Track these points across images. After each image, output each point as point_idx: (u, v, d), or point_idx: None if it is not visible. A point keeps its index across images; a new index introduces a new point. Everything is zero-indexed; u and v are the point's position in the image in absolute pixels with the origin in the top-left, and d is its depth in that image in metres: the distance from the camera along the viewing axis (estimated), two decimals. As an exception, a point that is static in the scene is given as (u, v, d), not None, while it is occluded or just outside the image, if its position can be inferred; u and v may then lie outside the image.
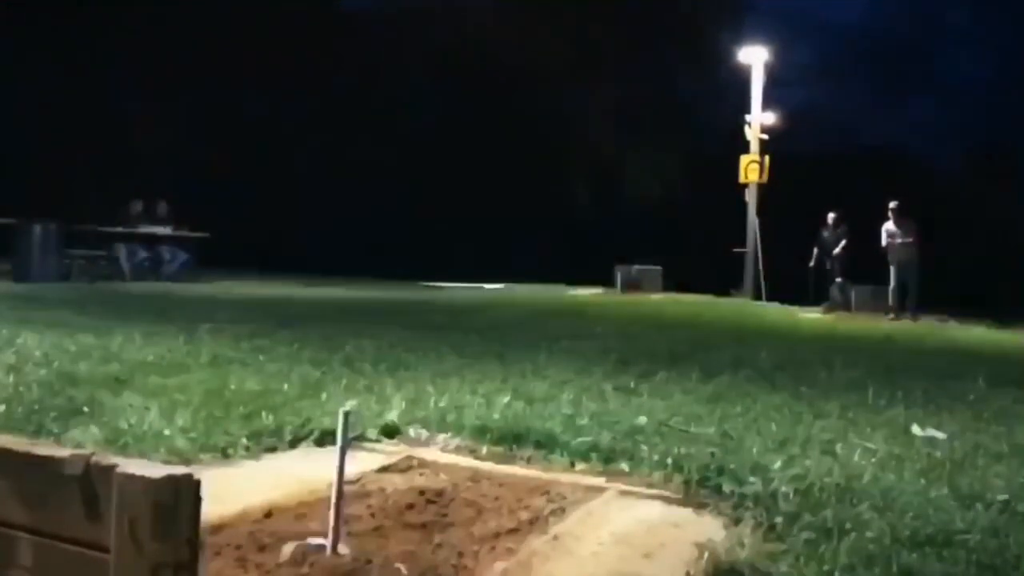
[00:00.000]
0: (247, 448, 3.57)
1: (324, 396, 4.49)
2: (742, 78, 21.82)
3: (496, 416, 4.20)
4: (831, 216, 16.78)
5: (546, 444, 3.78)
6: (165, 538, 1.12)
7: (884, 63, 42.86)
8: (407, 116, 27.28)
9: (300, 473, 3.19)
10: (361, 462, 3.36)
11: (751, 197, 20.64)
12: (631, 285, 19.92)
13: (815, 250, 16.79)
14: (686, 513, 3.07)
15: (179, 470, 1.16)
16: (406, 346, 6.75)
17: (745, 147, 20.99)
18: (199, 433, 3.63)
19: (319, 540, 2.41)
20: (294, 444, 3.70)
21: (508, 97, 27.60)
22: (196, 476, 1.16)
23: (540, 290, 17.81)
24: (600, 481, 3.38)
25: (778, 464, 3.59)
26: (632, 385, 5.44)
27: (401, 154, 26.99)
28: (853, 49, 49.52)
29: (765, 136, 21.08)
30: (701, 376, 5.97)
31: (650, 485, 3.34)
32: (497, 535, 2.68)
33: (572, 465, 3.58)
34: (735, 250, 20.74)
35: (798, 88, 39.90)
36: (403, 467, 3.45)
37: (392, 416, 4.10)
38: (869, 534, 2.79)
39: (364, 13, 27.65)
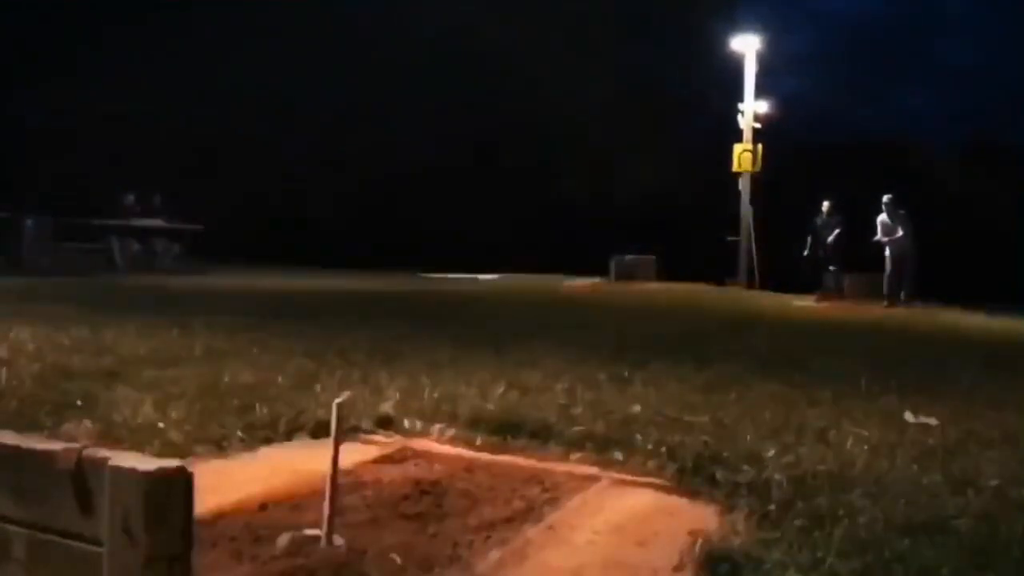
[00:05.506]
0: (242, 440, 3.57)
1: (319, 388, 4.48)
2: (735, 67, 21.79)
3: (490, 406, 4.21)
4: (825, 204, 16.81)
5: (540, 434, 3.78)
6: (158, 530, 1.12)
7: (878, 51, 42.93)
8: (401, 106, 27.20)
9: (295, 464, 3.20)
10: (356, 453, 3.36)
11: (744, 186, 20.64)
12: (625, 275, 19.91)
13: (809, 238, 16.81)
14: (680, 501, 3.08)
15: (171, 463, 1.16)
16: (401, 337, 6.75)
17: (738, 136, 20.99)
18: (193, 426, 3.64)
19: (314, 531, 2.42)
20: (289, 436, 3.70)
21: (500, 86, 27.54)
22: (189, 469, 1.17)
23: (535, 280, 17.80)
24: (594, 470, 3.39)
25: (772, 452, 3.61)
26: (626, 374, 5.45)
27: (395, 145, 26.93)
28: (847, 38, 49.60)
29: (758, 125, 21.07)
30: (695, 365, 5.98)
31: (644, 474, 3.35)
32: (492, 525, 2.68)
33: (566, 455, 3.59)
34: (729, 239, 20.76)
35: (791, 77, 39.99)
36: (398, 458, 3.46)
37: (387, 407, 4.10)
38: (862, 521, 2.80)
39: (359, 5, 27.54)
